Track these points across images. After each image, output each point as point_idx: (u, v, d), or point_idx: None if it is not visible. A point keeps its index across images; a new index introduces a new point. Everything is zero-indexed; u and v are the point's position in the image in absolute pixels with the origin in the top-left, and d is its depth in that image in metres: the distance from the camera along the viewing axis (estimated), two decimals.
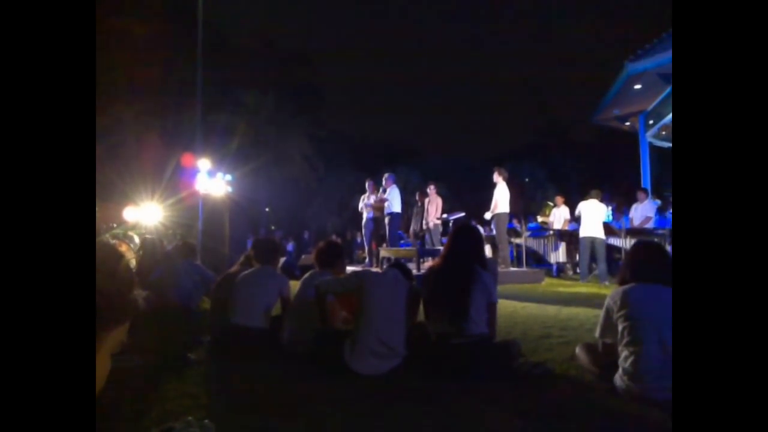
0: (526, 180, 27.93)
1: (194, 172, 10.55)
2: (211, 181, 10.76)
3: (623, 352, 2.35)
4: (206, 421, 1.92)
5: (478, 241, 3.20)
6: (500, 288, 4.37)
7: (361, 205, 9.79)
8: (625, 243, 8.66)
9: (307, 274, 3.75)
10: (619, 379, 2.35)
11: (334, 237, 15.22)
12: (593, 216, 8.66)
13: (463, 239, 3.13)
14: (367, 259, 10.11)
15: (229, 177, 11.47)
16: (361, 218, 9.87)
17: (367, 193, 9.66)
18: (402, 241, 11.22)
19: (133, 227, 10.71)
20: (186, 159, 11.34)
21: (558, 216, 11.01)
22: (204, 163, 10.51)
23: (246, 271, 3.89)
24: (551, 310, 5.07)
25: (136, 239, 8.93)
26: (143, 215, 10.79)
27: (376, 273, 3.12)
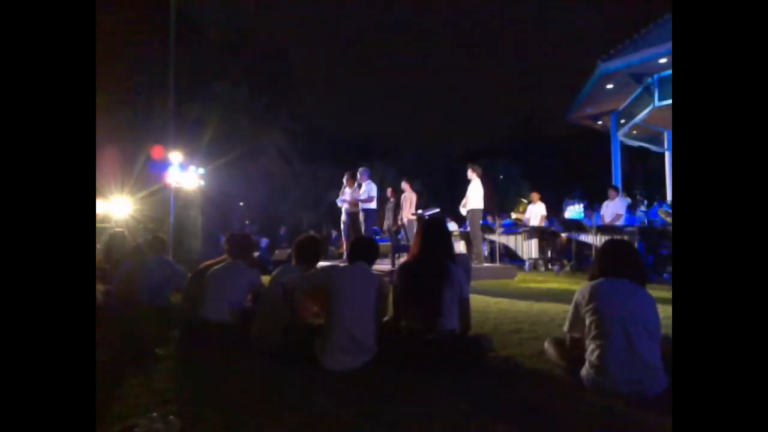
0: (501, 177, 28.20)
1: (166, 165, 10.37)
2: (183, 174, 10.58)
3: (590, 346, 2.40)
4: (171, 417, 1.89)
5: (447, 237, 3.23)
6: (473, 283, 4.40)
7: (339, 200, 9.74)
8: (596, 240, 8.83)
9: (278, 269, 3.71)
10: (585, 372, 2.39)
11: (314, 233, 15.08)
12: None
13: (433, 235, 3.14)
14: (344, 255, 10.07)
15: (201, 170, 11.30)
16: (337, 213, 9.81)
17: (344, 186, 9.62)
18: (378, 237, 11.23)
19: (102, 221, 10.49)
20: (157, 151, 11.13)
21: (534, 212, 11.07)
22: (176, 156, 10.32)
23: (217, 266, 3.84)
24: (523, 305, 5.13)
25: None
26: (113, 208, 10.56)
27: (345, 268, 3.08)
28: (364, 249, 3.21)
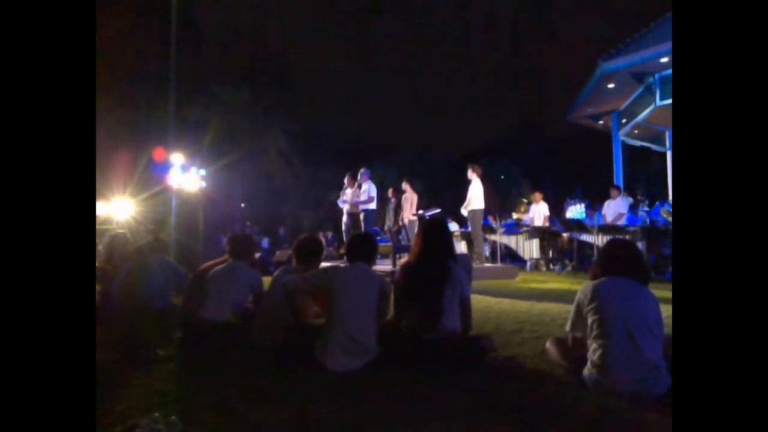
0: (501, 177, 28.20)
1: (167, 166, 10.38)
2: (185, 175, 10.59)
3: (592, 345, 2.39)
4: (173, 417, 1.89)
5: (448, 237, 3.22)
6: (474, 283, 4.40)
7: (340, 200, 9.74)
8: (598, 240, 8.81)
9: (279, 270, 3.71)
10: (587, 371, 2.38)
11: (320, 234, 15.16)
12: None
13: (434, 236, 3.13)
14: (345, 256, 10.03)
15: (203, 172, 11.31)
16: (338, 214, 9.81)
17: (345, 187, 9.62)
18: (378, 238, 11.23)
19: (104, 222, 10.51)
20: (158, 153, 11.15)
21: (537, 212, 11.02)
22: (177, 158, 10.34)
23: (218, 267, 3.84)
24: (524, 305, 5.12)
25: None
26: (114, 210, 10.58)
27: (345, 268, 3.07)
28: (362, 246, 3.21)
